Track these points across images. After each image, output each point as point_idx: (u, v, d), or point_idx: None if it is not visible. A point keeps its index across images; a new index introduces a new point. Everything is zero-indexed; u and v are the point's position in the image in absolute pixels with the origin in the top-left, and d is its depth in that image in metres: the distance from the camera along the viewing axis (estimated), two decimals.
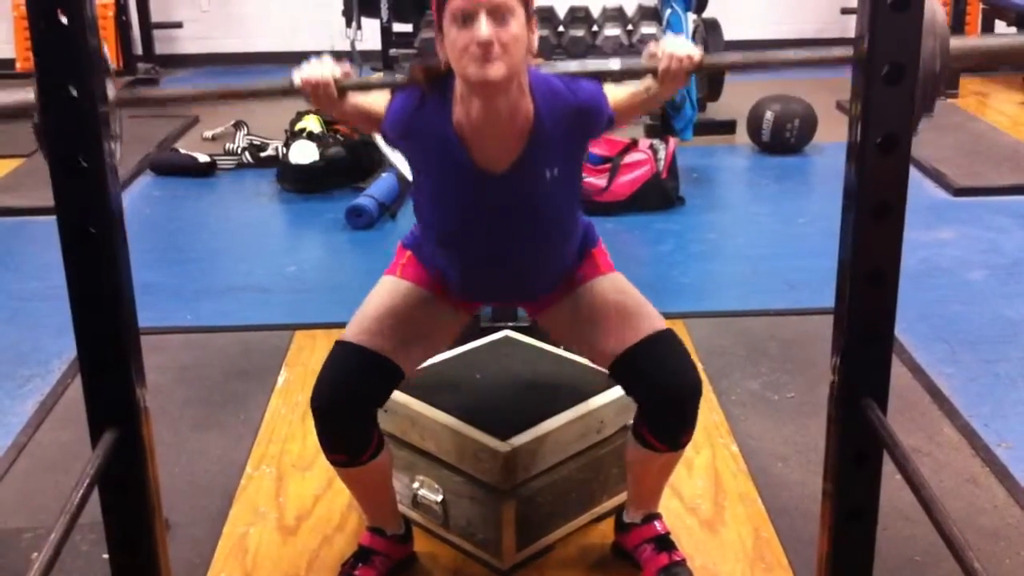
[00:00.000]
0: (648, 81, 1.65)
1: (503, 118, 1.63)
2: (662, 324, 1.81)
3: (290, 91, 1.61)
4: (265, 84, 1.68)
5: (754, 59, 1.64)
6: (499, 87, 1.57)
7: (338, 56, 1.64)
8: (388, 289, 1.86)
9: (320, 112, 1.65)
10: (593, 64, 1.76)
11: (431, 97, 1.67)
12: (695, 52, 1.56)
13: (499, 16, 1.53)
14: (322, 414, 1.77)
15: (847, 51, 1.50)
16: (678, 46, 1.57)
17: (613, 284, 1.86)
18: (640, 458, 1.87)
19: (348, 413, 1.78)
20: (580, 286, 1.85)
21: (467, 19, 1.53)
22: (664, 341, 1.80)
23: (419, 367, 1.92)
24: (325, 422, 1.78)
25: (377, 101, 1.72)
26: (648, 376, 1.78)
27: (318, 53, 1.66)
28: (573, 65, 1.84)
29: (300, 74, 1.59)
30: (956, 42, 1.48)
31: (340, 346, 1.81)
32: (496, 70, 1.54)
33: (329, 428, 1.79)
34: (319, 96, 1.60)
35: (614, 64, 1.72)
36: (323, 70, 1.59)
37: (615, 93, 1.71)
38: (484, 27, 1.52)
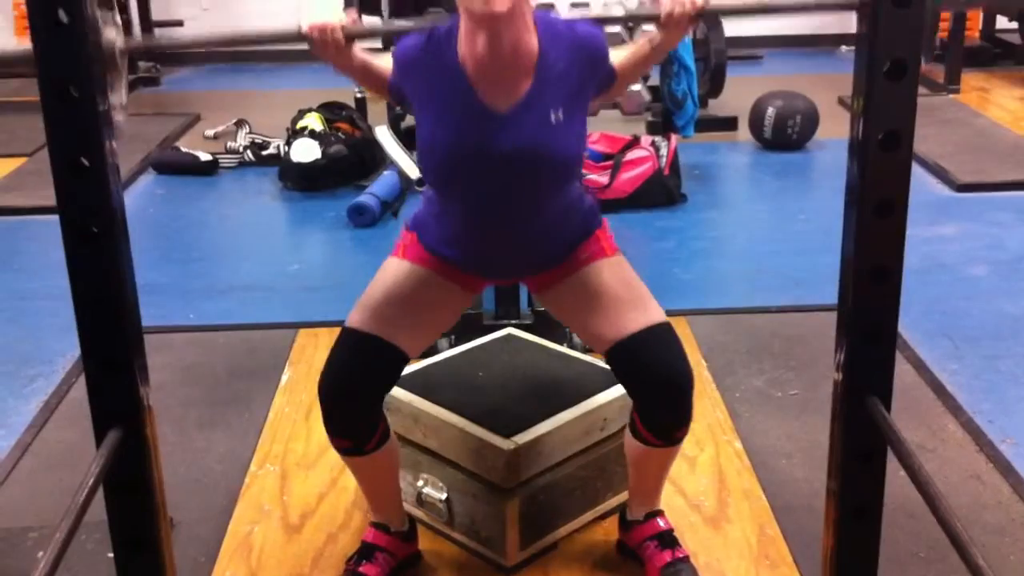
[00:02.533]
0: (651, 32, 1.66)
1: (507, 53, 1.62)
2: (660, 316, 1.81)
3: (296, 37, 1.58)
4: (275, 31, 1.63)
5: (758, 4, 1.66)
6: (503, 20, 1.56)
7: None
8: (391, 272, 1.85)
9: (325, 59, 1.61)
10: (597, 11, 1.76)
11: (436, 36, 1.67)
12: None
13: None
14: (328, 399, 1.79)
15: None
16: None
17: (617, 269, 1.85)
18: (638, 452, 1.88)
19: (353, 398, 1.79)
20: (584, 267, 1.83)
21: None
22: (659, 335, 1.79)
23: (423, 350, 1.92)
24: (331, 407, 1.80)
25: (384, 61, 1.72)
26: (639, 369, 1.78)
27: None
28: (576, 11, 1.84)
29: (307, 19, 1.57)
30: None
31: (345, 333, 1.82)
32: (500, 3, 1.53)
33: (334, 413, 1.80)
34: (325, 42, 1.59)
35: (617, 10, 1.71)
36: (330, 15, 1.58)
37: (616, 52, 1.73)
38: None
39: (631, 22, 1.70)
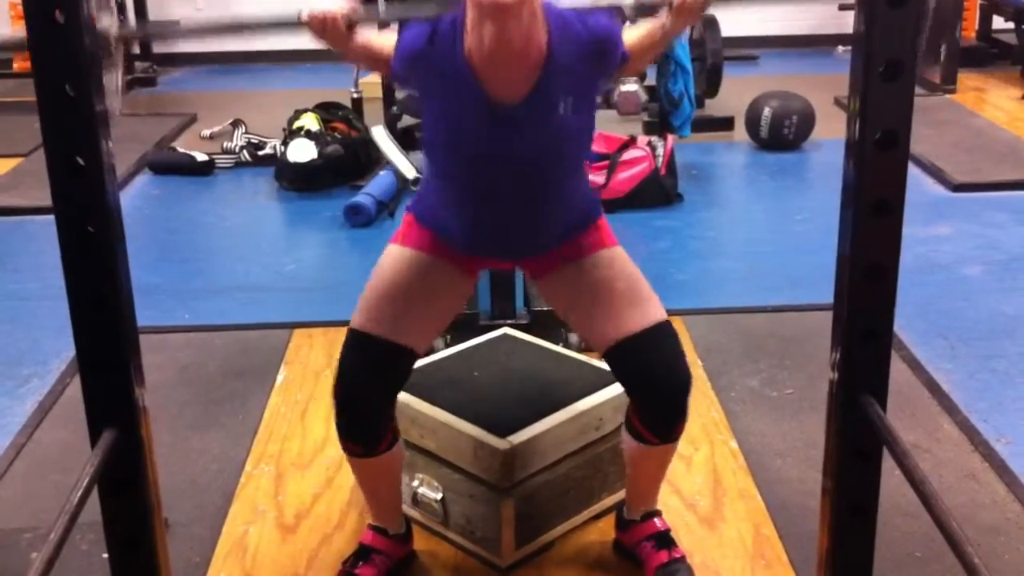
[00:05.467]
0: (662, 18, 1.64)
1: (516, 46, 1.58)
2: (660, 314, 1.80)
3: (297, 24, 1.57)
4: (275, 18, 1.62)
5: None
6: (512, 11, 1.52)
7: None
8: (391, 262, 1.83)
9: (326, 42, 1.60)
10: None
11: (441, 27, 1.63)
12: None
13: None
14: (341, 406, 1.80)
15: None
16: None
17: (617, 264, 1.83)
18: (634, 451, 1.88)
19: (368, 403, 1.79)
20: (584, 257, 1.82)
21: None
22: (660, 335, 1.79)
23: (431, 342, 1.92)
24: (344, 413, 1.80)
25: (386, 41, 1.69)
26: (641, 369, 1.78)
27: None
28: (586, 0, 1.80)
29: (307, 8, 1.56)
30: None
31: (351, 335, 1.81)
32: None
33: (350, 418, 1.81)
34: (327, 31, 1.57)
35: None
36: (331, 3, 1.57)
37: (629, 33, 1.70)
38: None
39: (641, 9, 1.67)
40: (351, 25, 1.58)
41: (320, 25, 1.57)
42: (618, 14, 1.70)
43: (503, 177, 1.70)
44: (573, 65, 1.64)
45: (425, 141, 1.76)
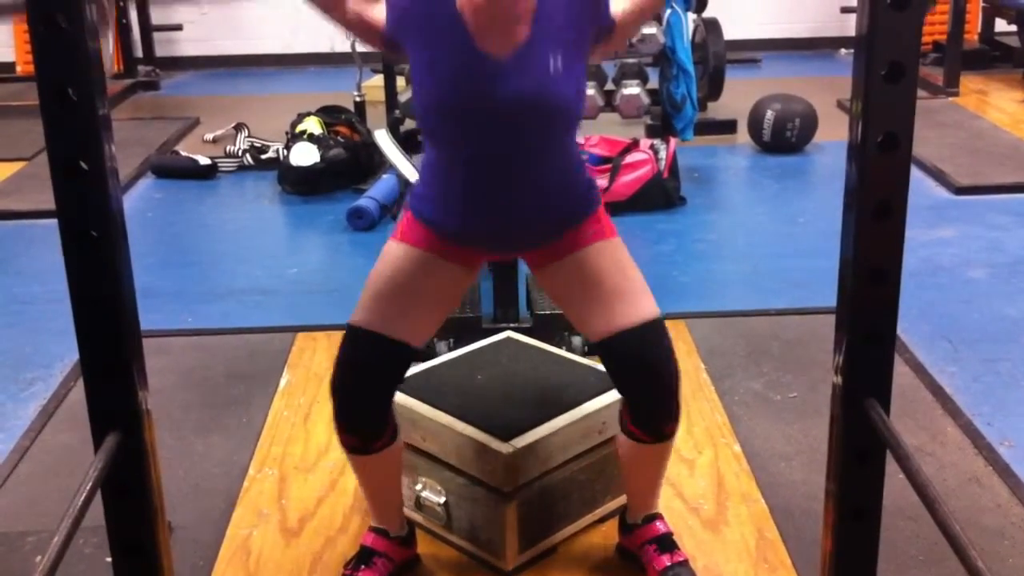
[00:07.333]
0: None
1: (506, 0, 1.61)
2: (651, 311, 1.80)
3: None
4: None
5: None
6: None
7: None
8: (390, 258, 1.84)
9: (318, 10, 1.62)
10: None
11: None
12: None
13: None
14: (338, 396, 1.81)
15: None
16: None
17: (613, 256, 1.83)
18: (629, 451, 1.88)
19: (362, 395, 1.80)
20: (584, 247, 1.81)
21: None
22: (648, 332, 1.78)
23: (430, 336, 1.92)
24: (341, 403, 1.81)
25: (378, 10, 1.72)
26: (629, 365, 1.78)
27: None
28: None
29: None
30: None
31: (350, 330, 1.82)
32: None
33: (345, 409, 1.81)
34: None
35: None
36: None
37: (616, 1, 1.73)
38: None
39: None
40: None
41: None
42: None
43: (498, 137, 1.71)
44: (563, 20, 1.68)
45: (417, 102, 1.75)
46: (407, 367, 1.86)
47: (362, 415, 1.82)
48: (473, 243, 1.84)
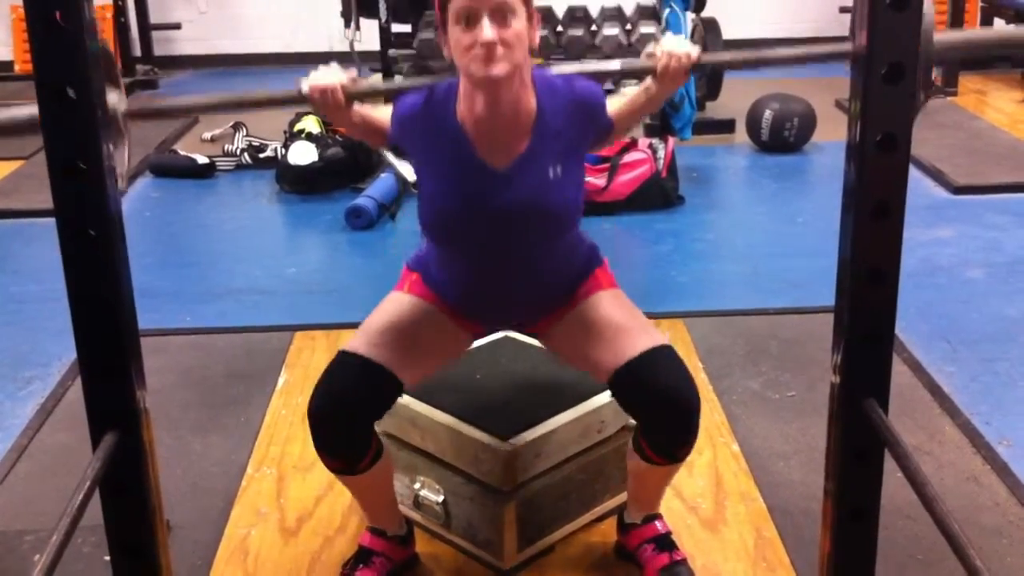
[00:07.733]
0: (647, 82, 1.67)
1: (507, 112, 1.65)
2: (661, 340, 1.79)
3: (299, 99, 1.62)
4: (278, 93, 1.65)
5: (752, 57, 1.62)
6: (502, 83, 1.60)
7: (338, 57, 1.64)
8: (394, 302, 1.86)
9: (325, 117, 1.67)
10: (592, 65, 1.79)
11: (436, 95, 1.70)
12: (693, 50, 1.59)
13: (501, 15, 1.55)
14: (318, 422, 1.76)
15: (841, 47, 1.51)
16: (676, 45, 1.60)
17: (615, 300, 1.85)
18: (640, 469, 1.87)
19: (344, 423, 1.76)
20: (582, 301, 1.84)
21: (470, 19, 1.56)
22: (662, 356, 1.76)
23: (420, 381, 1.89)
24: (320, 430, 1.76)
25: (382, 113, 1.75)
26: (645, 392, 1.75)
27: (317, 54, 1.67)
28: (572, 66, 1.87)
29: (308, 81, 1.61)
30: (940, 36, 1.48)
31: (342, 355, 1.80)
32: (499, 68, 1.57)
33: (325, 436, 1.77)
34: (327, 103, 1.62)
35: (613, 64, 1.75)
36: (330, 76, 1.61)
37: (612, 101, 1.74)
38: (487, 29, 1.55)
39: (626, 76, 1.70)
40: (350, 97, 1.63)
41: (320, 97, 1.61)
42: (604, 80, 1.73)
43: (500, 242, 1.74)
44: (562, 129, 1.70)
45: (421, 207, 1.78)
46: (392, 402, 1.82)
47: (342, 442, 1.78)
48: (474, 319, 1.88)
